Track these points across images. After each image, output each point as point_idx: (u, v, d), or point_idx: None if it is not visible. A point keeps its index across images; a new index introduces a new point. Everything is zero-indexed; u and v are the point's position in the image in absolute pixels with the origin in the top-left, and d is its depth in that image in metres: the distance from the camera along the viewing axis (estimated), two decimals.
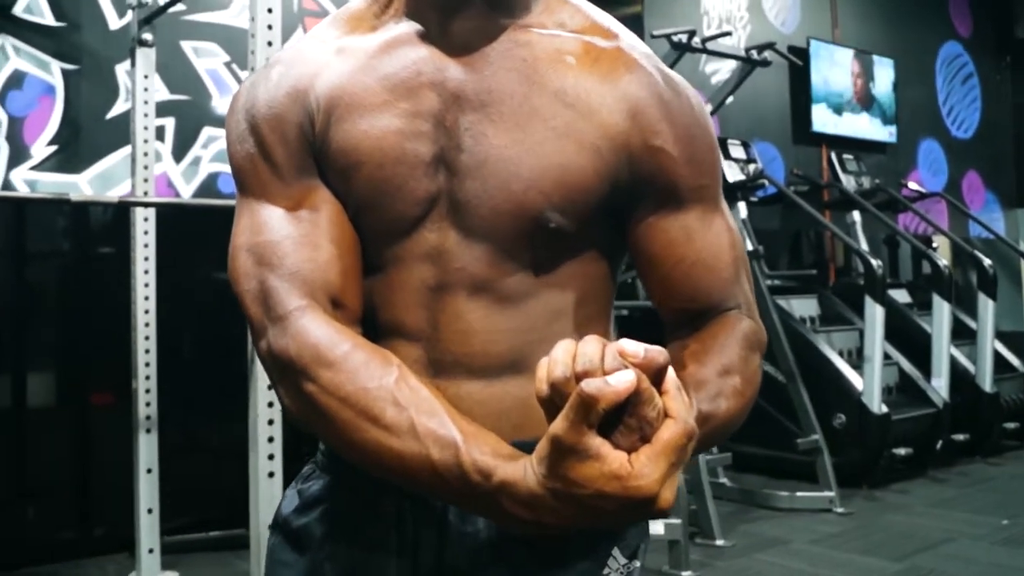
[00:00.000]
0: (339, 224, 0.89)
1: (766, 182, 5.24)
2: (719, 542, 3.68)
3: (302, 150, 0.90)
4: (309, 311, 0.83)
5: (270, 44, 2.46)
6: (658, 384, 0.66)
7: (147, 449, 3.20)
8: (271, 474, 2.44)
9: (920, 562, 3.45)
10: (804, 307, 5.38)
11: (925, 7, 7.49)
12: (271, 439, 2.44)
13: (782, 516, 4.15)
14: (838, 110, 6.52)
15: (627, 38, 0.92)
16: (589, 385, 0.62)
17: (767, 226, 5.77)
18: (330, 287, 0.86)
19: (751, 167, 5.31)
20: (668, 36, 4.09)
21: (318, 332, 0.81)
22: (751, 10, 6.05)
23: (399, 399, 0.76)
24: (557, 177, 0.85)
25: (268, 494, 2.43)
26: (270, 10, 2.45)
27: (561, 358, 0.65)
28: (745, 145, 5.51)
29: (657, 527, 3.32)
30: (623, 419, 0.65)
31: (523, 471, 0.70)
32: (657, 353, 0.66)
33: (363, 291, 0.90)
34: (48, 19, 3.58)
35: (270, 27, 2.46)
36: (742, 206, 5.22)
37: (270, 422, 2.44)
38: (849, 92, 6.59)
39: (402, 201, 0.87)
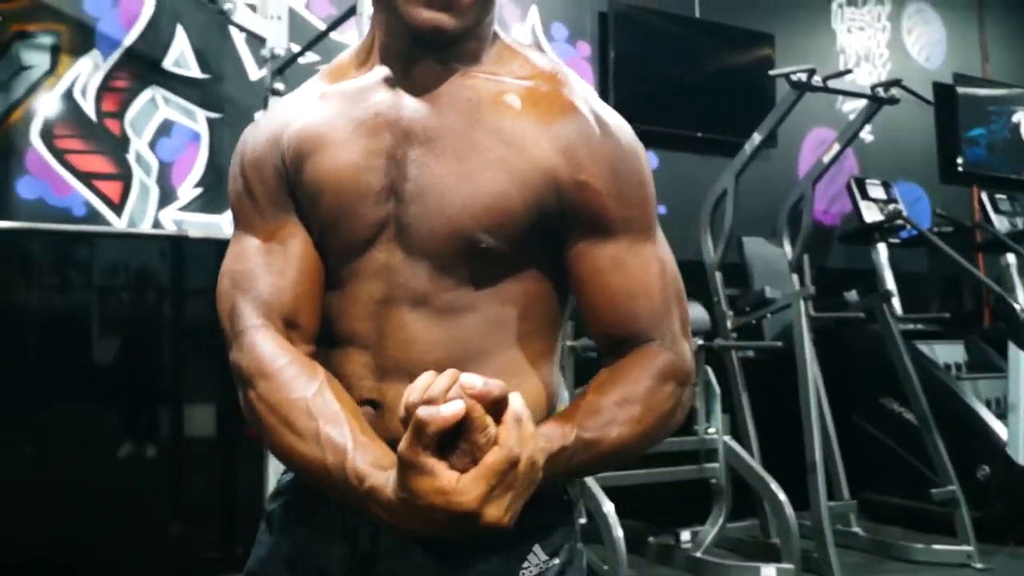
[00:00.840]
0: (305, 255, 1.04)
1: (906, 223, 5.08)
2: None
3: (278, 188, 1.06)
4: (262, 329, 0.99)
5: None
6: (496, 414, 0.76)
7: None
8: None
9: None
10: (949, 353, 5.15)
11: None
12: None
13: (915, 569, 3.97)
14: (990, 148, 6.26)
15: (570, 83, 1.03)
16: (423, 411, 0.74)
17: (914, 268, 5.57)
18: (286, 309, 1.01)
19: (890, 207, 5.16)
20: (787, 76, 4.05)
21: (264, 347, 0.97)
22: (891, 46, 5.90)
23: (312, 409, 0.91)
24: (487, 203, 0.96)
25: None
26: None
27: (419, 386, 0.76)
28: (885, 185, 5.36)
29: (769, 571, 3.25)
30: (458, 443, 0.75)
31: (386, 480, 0.81)
32: (494, 387, 0.75)
33: (324, 305, 1.03)
34: (194, 72, 3.87)
35: None
36: (882, 247, 5.09)
37: None
38: (1000, 128, 6.32)
39: (356, 224, 1.00)
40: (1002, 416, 4.54)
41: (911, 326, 4.89)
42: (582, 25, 4.77)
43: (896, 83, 4.06)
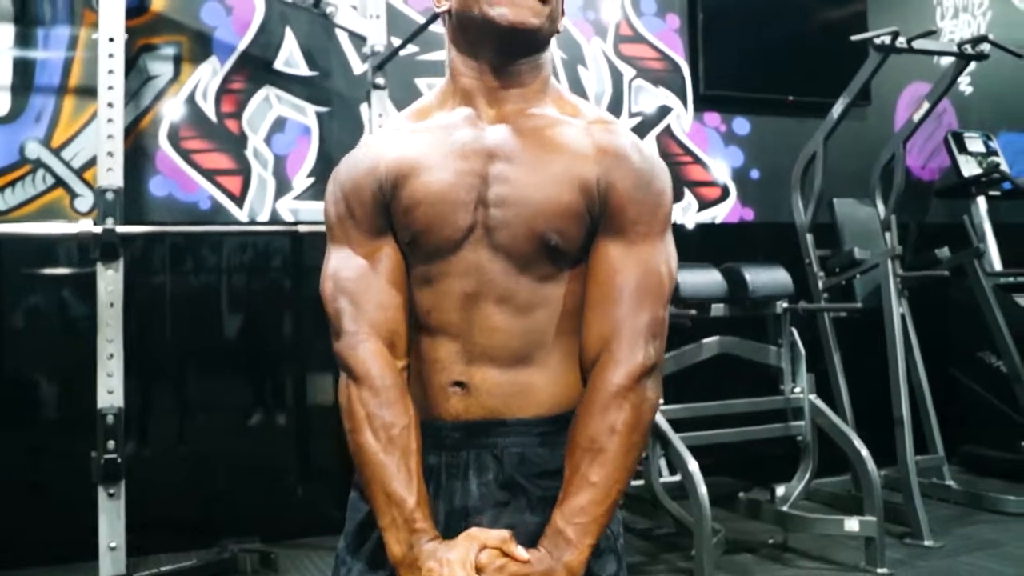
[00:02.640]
0: (397, 275, 1.28)
1: (1006, 176, 5.05)
2: (927, 543, 3.69)
3: (374, 211, 1.28)
4: (370, 340, 1.24)
5: None
6: None
7: None
8: None
9: None
10: None
11: None
12: None
13: (1007, 520, 4.06)
14: None
15: (616, 124, 1.30)
16: None
17: (1017, 220, 5.51)
18: (384, 331, 1.26)
19: (989, 160, 5.14)
20: (869, 40, 4.10)
21: (374, 360, 1.23)
22: None
23: (395, 438, 1.19)
24: (554, 208, 1.21)
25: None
26: None
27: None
28: (986, 137, 5.33)
29: (852, 524, 3.41)
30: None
31: (436, 542, 1.16)
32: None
33: (418, 299, 1.27)
34: (303, 70, 4.18)
35: None
36: (981, 201, 5.07)
37: None
38: None
39: (449, 229, 1.23)
40: None
41: (1011, 279, 4.89)
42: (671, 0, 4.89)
43: (983, 39, 4.06)
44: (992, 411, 4.67)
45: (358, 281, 1.26)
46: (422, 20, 4.29)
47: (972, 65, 4.54)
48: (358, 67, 4.23)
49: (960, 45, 4.18)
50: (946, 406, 4.60)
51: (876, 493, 3.40)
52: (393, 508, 1.16)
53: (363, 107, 4.18)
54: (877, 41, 4.07)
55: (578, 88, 4.63)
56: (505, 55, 1.25)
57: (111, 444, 3.10)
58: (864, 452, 3.51)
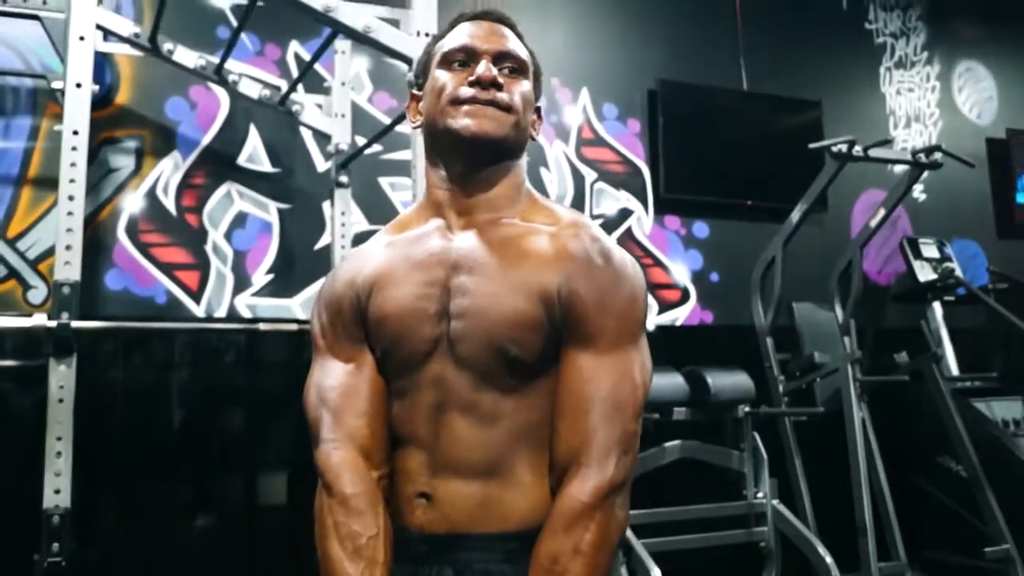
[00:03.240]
0: (375, 387, 1.30)
1: (960, 282, 5.14)
2: None
3: (353, 321, 1.32)
4: (344, 448, 1.25)
5: None
6: None
7: None
8: None
9: None
10: (1006, 409, 5.15)
11: None
12: None
13: None
14: None
15: (587, 227, 1.28)
16: None
17: (975, 324, 5.59)
18: (362, 443, 1.26)
19: (944, 266, 5.23)
20: (827, 148, 4.19)
21: (347, 469, 1.23)
22: (942, 105, 5.99)
23: (361, 548, 1.17)
24: (512, 318, 1.20)
25: None
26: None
27: None
28: (939, 244, 5.43)
29: None
30: None
31: None
32: None
33: (392, 410, 1.28)
34: (266, 166, 4.17)
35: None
36: (936, 306, 5.14)
37: None
38: None
39: (415, 341, 1.24)
40: None
41: (968, 384, 4.93)
42: (632, 103, 4.98)
43: (936, 148, 4.17)
44: (953, 517, 4.65)
45: (338, 390, 1.28)
46: (387, 120, 4.34)
47: (925, 173, 4.66)
48: (321, 165, 4.24)
49: (914, 154, 4.28)
50: (907, 511, 4.58)
51: None
52: None
53: (325, 204, 4.18)
54: (834, 149, 4.16)
55: (540, 190, 4.67)
56: (471, 165, 1.27)
57: (55, 547, 2.97)
58: (828, 560, 3.47)
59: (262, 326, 3.28)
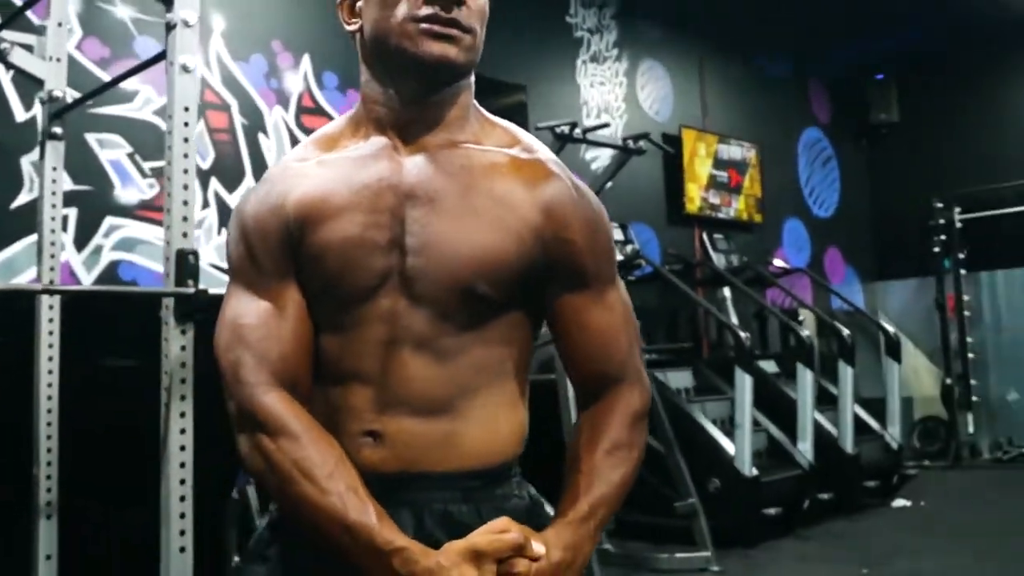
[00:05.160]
0: (301, 320, 1.18)
1: (643, 262, 5.60)
2: None
3: (280, 254, 1.18)
4: (274, 390, 1.13)
5: (187, 140, 2.65)
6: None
7: (47, 536, 3.23)
8: (183, 549, 2.56)
9: None
10: (680, 379, 5.73)
11: (786, 96, 8.12)
12: (183, 515, 2.57)
13: None
14: (708, 191, 6.98)
15: (543, 152, 1.23)
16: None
17: (645, 303, 6.13)
18: (288, 375, 1.15)
19: (628, 248, 5.67)
20: (552, 128, 4.42)
21: (282, 407, 1.12)
22: (627, 100, 6.49)
23: (336, 473, 1.07)
24: (485, 256, 1.13)
25: (180, 570, 2.55)
26: (187, 108, 2.64)
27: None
28: (623, 227, 5.88)
29: None
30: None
31: (419, 548, 1.05)
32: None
33: (326, 346, 1.18)
34: None
35: (187, 124, 2.66)
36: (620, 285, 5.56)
37: (182, 498, 2.57)
38: (719, 175, 7.08)
39: (362, 274, 1.14)
40: (729, 434, 5.13)
41: (651, 356, 5.40)
42: (351, 75, 4.93)
43: (645, 136, 4.52)
44: (644, 483, 5.06)
45: (260, 329, 1.16)
46: (98, 71, 4.00)
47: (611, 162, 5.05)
48: (20, 113, 3.82)
49: (624, 140, 4.62)
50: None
51: None
52: (362, 542, 1.04)
53: (25, 158, 3.78)
54: (558, 130, 4.39)
55: (258, 157, 4.52)
56: (426, 89, 1.17)
57: None
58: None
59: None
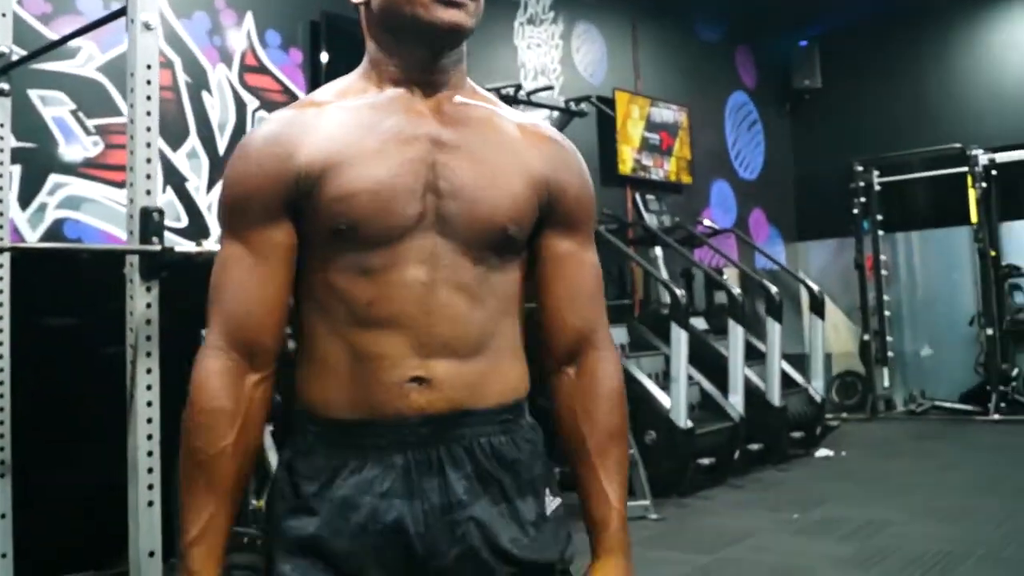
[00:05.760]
0: (281, 273, 1.21)
1: None
2: None
3: (279, 205, 1.19)
4: (219, 357, 1.20)
5: (149, 98, 2.66)
6: None
7: (1, 495, 3.22)
8: (151, 503, 2.59)
9: (728, 554, 3.96)
10: (616, 335, 5.87)
11: (715, 61, 8.30)
12: (151, 469, 2.60)
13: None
14: (640, 154, 7.13)
15: (528, 117, 1.35)
16: None
17: None
18: (251, 331, 1.20)
19: None
20: (496, 90, 4.48)
21: (214, 379, 1.19)
22: (563, 63, 6.57)
23: (203, 463, 1.18)
24: (513, 200, 1.22)
25: (148, 523, 2.58)
26: (149, 66, 2.64)
27: None
28: None
29: None
30: None
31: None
32: None
33: (355, 292, 1.19)
34: None
35: (149, 82, 2.66)
36: None
37: (149, 453, 2.60)
38: (651, 138, 7.22)
39: (395, 216, 1.17)
40: (664, 388, 5.30)
41: None
42: (294, 33, 4.92)
43: (587, 99, 4.62)
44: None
45: (235, 287, 1.20)
46: (40, 26, 3.95)
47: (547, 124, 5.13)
48: None
49: (567, 102, 4.71)
50: None
51: None
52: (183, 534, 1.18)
53: None
54: (503, 91, 4.46)
55: (202, 115, 4.50)
56: (436, 54, 1.23)
57: None
58: None
59: None
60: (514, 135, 1.26)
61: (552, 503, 1.27)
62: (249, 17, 4.74)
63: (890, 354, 8.27)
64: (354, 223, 1.17)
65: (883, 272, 8.35)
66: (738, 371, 5.68)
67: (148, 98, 2.68)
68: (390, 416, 1.18)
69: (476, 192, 1.20)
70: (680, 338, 5.11)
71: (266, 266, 1.19)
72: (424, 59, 1.23)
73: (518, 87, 4.50)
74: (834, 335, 8.49)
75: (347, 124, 1.21)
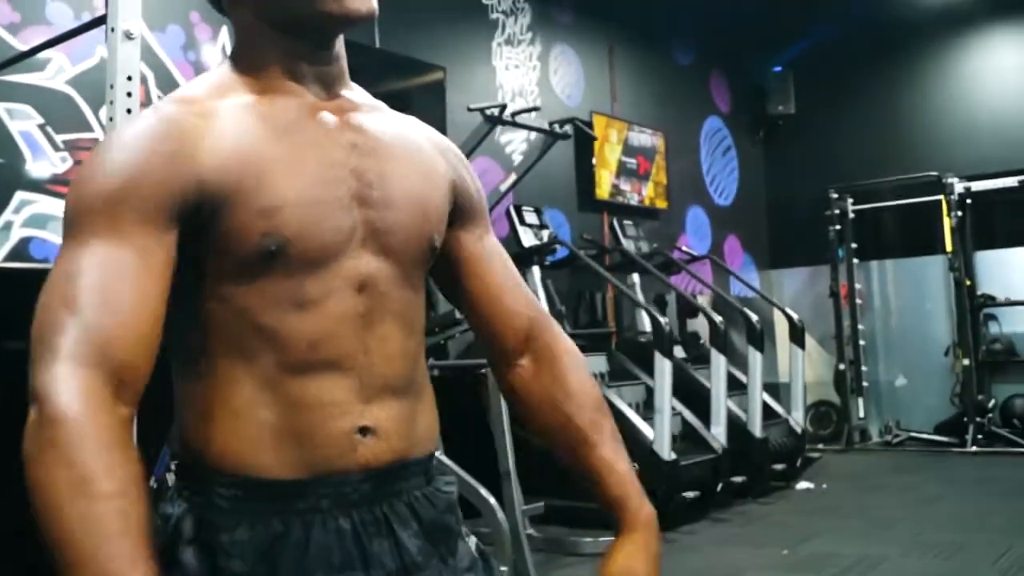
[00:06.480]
0: (160, 287, 0.93)
1: (558, 246, 5.60)
2: None
3: (163, 210, 0.94)
4: (96, 368, 0.87)
5: (129, 111, 2.50)
6: None
7: None
8: None
9: None
10: (595, 364, 5.75)
11: (690, 86, 8.24)
12: None
13: (589, 560, 4.42)
14: (618, 178, 7.04)
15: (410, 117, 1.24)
16: None
17: (557, 288, 6.12)
18: (116, 359, 0.88)
19: (545, 232, 5.66)
20: (482, 110, 4.36)
21: (89, 397, 0.85)
22: (540, 85, 6.47)
23: (106, 493, 0.83)
24: (436, 208, 1.12)
25: None
26: (130, 77, 2.49)
27: None
28: (538, 212, 5.86)
29: None
30: None
31: None
32: None
33: (287, 331, 0.98)
34: None
35: (129, 94, 2.50)
36: (536, 270, 5.55)
37: None
38: (629, 162, 7.13)
39: (330, 231, 1.00)
40: (646, 418, 5.16)
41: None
42: None
43: (571, 121, 4.51)
44: (561, 468, 5.06)
45: (98, 293, 0.89)
46: (9, 36, 3.76)
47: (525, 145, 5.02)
48: None
49: (551, 124, 4.59)
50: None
51: (506, 546, 3.53)
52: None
53: None
54: (488, 112, 4.33)
55: None
56: (328, 42, 1.07)
57: None
58: (492, 500, 3.63)
59: None
60: (418, 137, 1.16)
61: (471, 540, 1.18)
62: (224, 32, 4.57)
63: (864, 384, 8.22)
64: (285, 241, 0.97)
65: (857, 301, 8.29)
66: (720, 401, 5.56)
67: (128, 111, 2.52)
68: (334, 474, 0.99)
69: (406, 201, 1.07)
70: (664, 368, 4.98)
71: (148, 277, 0.92)
72: (312, 48, 1.06)
73: (503, 107, 4.37)
74: (808, 364, 8.41)
75: (248, 126, 1.00)
